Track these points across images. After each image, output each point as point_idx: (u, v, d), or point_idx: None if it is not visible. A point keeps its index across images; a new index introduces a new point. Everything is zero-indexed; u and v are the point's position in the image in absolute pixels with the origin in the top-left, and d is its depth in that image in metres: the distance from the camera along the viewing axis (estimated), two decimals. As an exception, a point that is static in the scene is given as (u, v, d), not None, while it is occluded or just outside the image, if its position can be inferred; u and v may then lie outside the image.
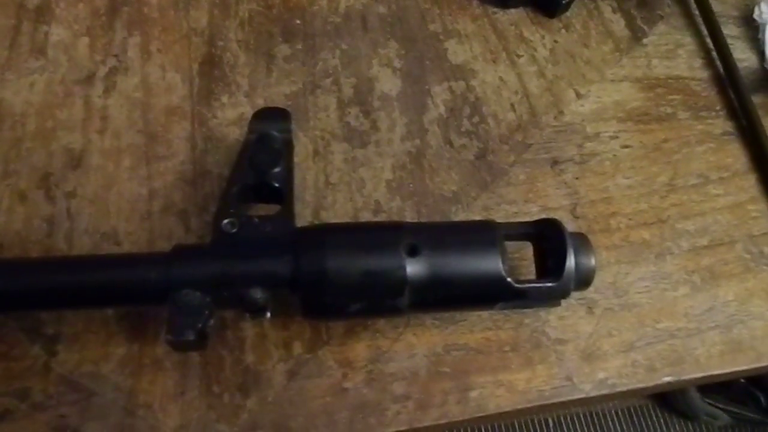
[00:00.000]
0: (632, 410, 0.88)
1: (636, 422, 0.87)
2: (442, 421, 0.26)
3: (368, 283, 0.23)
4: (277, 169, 0.27)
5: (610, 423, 0.86)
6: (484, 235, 0.25)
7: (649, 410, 0.88)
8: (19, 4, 0.35)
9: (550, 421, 0.82)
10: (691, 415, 0.88)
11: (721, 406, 0.85)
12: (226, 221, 0.25)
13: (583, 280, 0.26)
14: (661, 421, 0.88)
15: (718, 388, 0.84)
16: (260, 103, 0.33)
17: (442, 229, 0.26)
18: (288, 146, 0.28)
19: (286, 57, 0.35)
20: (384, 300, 0.24)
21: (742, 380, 0.82)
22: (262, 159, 0.27)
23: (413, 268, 0.24)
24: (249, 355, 0.27)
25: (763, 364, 0.30)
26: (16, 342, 0.26)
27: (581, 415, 0.85)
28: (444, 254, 0.24)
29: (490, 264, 0.24)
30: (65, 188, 0.30)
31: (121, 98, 0.33)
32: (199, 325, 0.23)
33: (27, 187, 0.30)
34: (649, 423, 0.88)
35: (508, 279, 0.24)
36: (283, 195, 0.26)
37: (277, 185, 0.26)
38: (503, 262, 0.24)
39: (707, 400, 0.85)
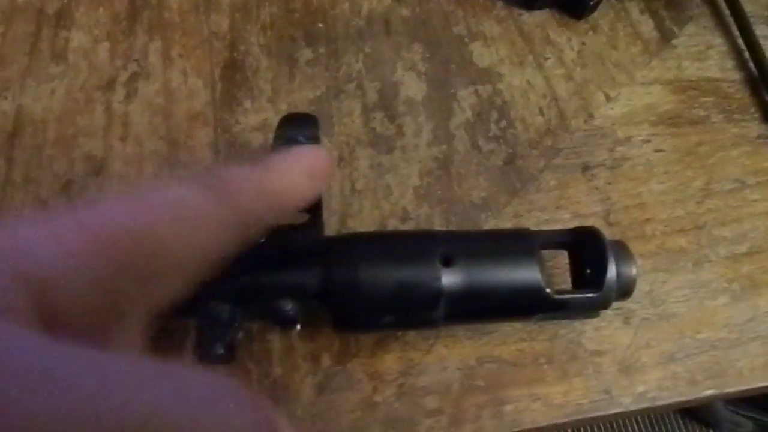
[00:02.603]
0: (654, 419, 0.86)
1: (658, 431, 0.85)
2: (477, 437, 0.26)
3: (402, 294, 0.23)
4: (304, 177, 0.26)
5: None
6: (521, 244, 0.24)
7: (671, 418, 0.87)
8: (38, 10, 0.35)
9: (570, 429, 0.81)
10: (713, 423, 0.86)
11: (744, 413, 0.83)
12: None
13: (624, 290, 0.25)
14: (684, 429, 0.86)
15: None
16: (283, 108, 0.33)
17: (476, 238, 0.25)
18: (316, 153, 0.27)
19: (308, 61, 0.34)
20: (418, 312, 0.23)
21: (766, 388, 0.80)
22: (290, 166, 0.26)
23: (448, 278, 0.23)
24: (276, 368, 0.26)
25: (807, 376, 0.29)
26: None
27: (601, 424, 0.84)
28: (480, 264, 0.23)
29: (528, 274, 0.23)
30: (87, 195, 0.30)
31: (143, 104, 0.32)
32: (228, 339, 0.22)
33: (48, 195, 0.29)
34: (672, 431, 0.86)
35: (547, 290, 0.23)
36: (311, 203, 0.26)
37: (305, 193, 0.26)
38: (542, 272, 0.23)
39: (730, 408, 0.83)
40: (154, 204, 0.16)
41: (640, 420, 0.86)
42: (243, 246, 0.19)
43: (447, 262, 0.23)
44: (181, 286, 0.17)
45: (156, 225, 0.15)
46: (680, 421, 0.87)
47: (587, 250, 0.25)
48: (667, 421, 0.87)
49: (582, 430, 0.83)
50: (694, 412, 0.86)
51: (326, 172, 0.21)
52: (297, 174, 0.19)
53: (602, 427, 0.84)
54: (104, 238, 0.14)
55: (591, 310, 0.25)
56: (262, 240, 0.24)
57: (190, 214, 0.16)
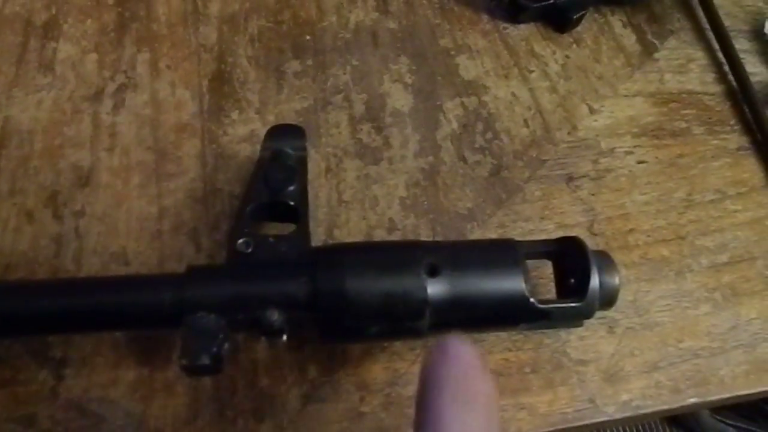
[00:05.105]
0: (640, 428, 0.87)
1: (644, 439, 0.86)
2: (463, 447, 0.26)
3: (388, 304, 0.23)
4: (291, 187, 0.26)
5: (618, 440, 0.85)
6: (506, 253, 0.24)
7: (657, 426, 0.87)
8: (26, 21, 0.35)
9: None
10: (700, 432, 0.87)
11: (730, 422, 0.84)
12: (241, 241, 0.24)
13: (608, 299, 0.25)
14: (670, 438, 0.87)
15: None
16: (271, 119, 0.33)
17: (461, 247, 0.25)
18: (303, 164, 0.27)
19: (296, 73, 0.35)
20: (404, 322, 0.23)
21: (751, 396, 0.81)
22: (277, 177, 0.26)
23: (434, 288, 0.23)
24: (263, 378, 0.26)
25: (788, 383, 0.29)
26: (23, 366, 0.26)
27: (589, 433, 0.84)
28: (465, 274, 0.24)
29: (512, 284, 0.24)
30: (73, 207, 0.29)
31: (130, 115, 0.32)
32: (214, 349, 0.22)
33: (34, 206, 0.29)
34: (658, 440, 0.86)
35: (532, 299, 0.24)
36: (298, 214, 0.26)
37: (292, 204, 0.26)
38: (526, 282, 0.24)
39: (716, 417, 0.84)
40: None
41: (626, 428, 0.86)
42: None
43: (432, 272, 0.23)
44: None
45: None
46: (666, 430, 0.87)
47: (571, 260, 0.26)
48: (653, 428, 0.87)
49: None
50: (679, 420, 0.87)
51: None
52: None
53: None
54: None
55: (575, 319, 0.25)
56: (250, 250, 0.24)
57: None
